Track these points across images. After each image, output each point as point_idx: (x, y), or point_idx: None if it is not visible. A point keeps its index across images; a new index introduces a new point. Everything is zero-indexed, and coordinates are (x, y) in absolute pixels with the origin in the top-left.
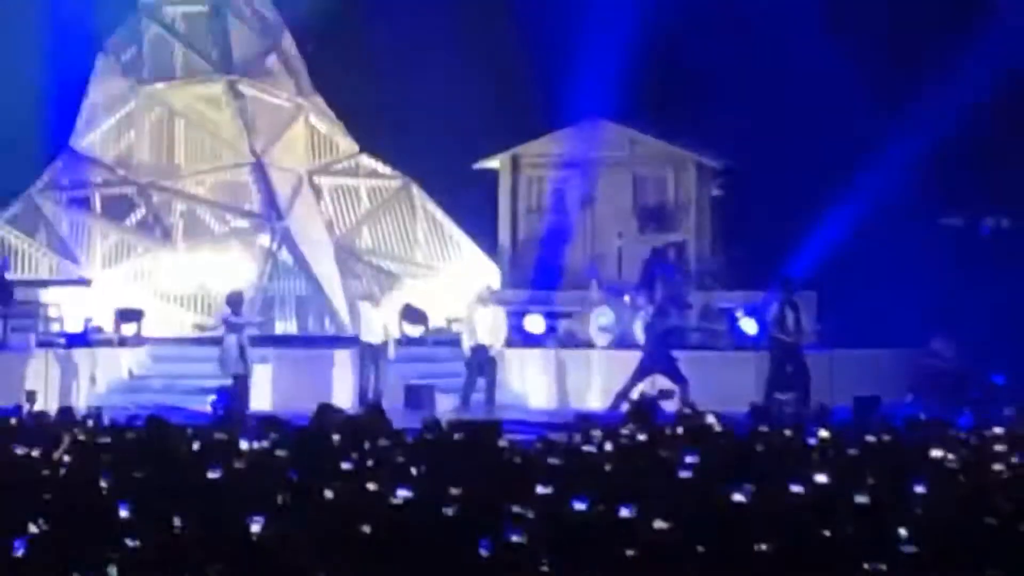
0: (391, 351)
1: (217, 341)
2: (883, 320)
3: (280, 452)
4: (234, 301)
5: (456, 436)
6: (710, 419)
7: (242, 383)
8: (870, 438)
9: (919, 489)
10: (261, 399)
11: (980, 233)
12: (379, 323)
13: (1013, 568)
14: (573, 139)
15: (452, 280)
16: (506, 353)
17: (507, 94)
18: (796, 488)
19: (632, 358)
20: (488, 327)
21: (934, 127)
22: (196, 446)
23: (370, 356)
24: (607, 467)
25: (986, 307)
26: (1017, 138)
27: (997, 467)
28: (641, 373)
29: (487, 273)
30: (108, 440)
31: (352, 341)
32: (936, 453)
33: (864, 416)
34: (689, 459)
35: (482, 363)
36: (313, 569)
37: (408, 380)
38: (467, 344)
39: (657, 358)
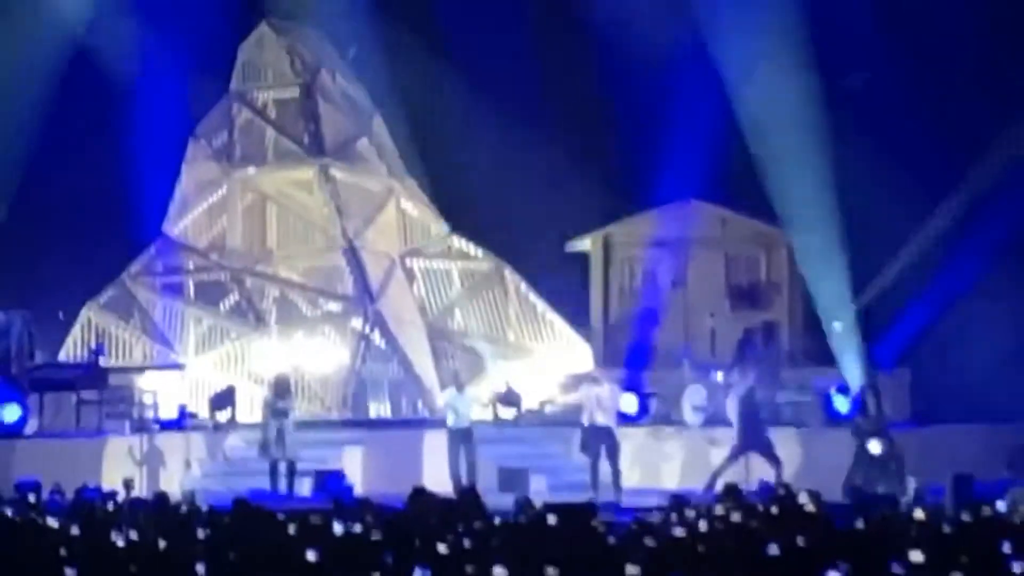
0: (481, 433)
1: (259, 426)
2: (977, 397)
3: (375, 535)
4: (280, 386)
5: (550, 518)
6: (803, 498)
7: (277, 470)
8: (966, 516)
9: (1016, 568)
10: (354, 482)
11: None
12: (471, 405)
13: None
14: (665, 219)
15: (545, 361)
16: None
17: (598, 174)
18: (894, 567)
19: (724, 437)
20: (600, 405)
21: None
22: (291, 529)
23: (462, 438)
24: (700, 548)
25: None
26: None
27: None
28: (736, 453)
29: (579, 354)
30: (203, 524)
31: (444, 423)
32: None
33: (960, 494)
34: (782, 539)
35: (603, 444)
36: None
37: (502, 462)
38: (585, 420)
39: (751, 438)
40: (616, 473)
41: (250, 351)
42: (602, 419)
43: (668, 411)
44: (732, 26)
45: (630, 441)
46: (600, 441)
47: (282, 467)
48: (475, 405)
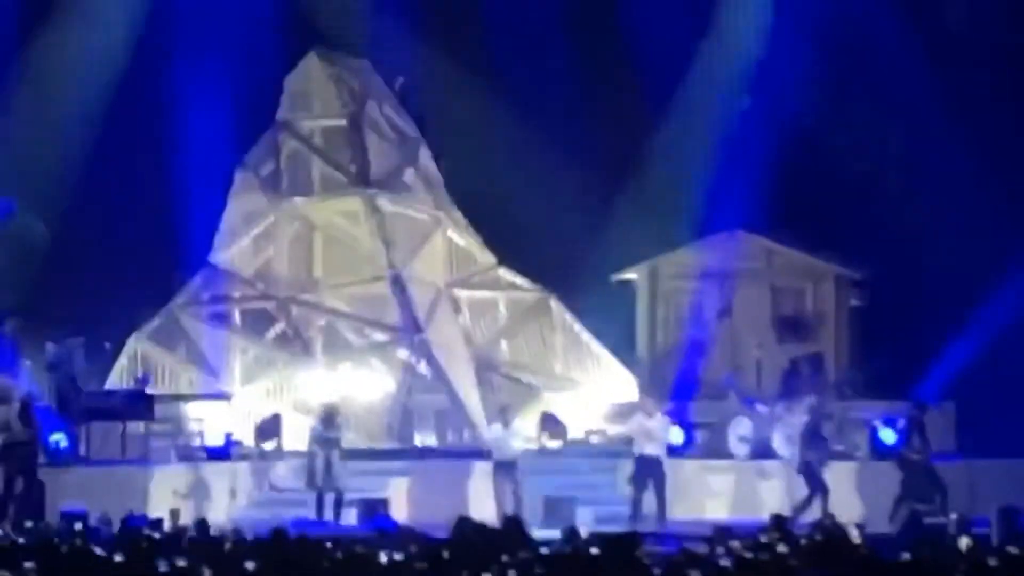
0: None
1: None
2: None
3: (419, 564)
4: (327, 416)
5: (595, 548)
6: (850, 530)
7: (323, 499)
8: (1012, 549)
9: None
10: (399, 511)
11: None
12: (516, 435)
13: None
14: (711, 250)
15: (591, 392)
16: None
17: (645, 205)
18: None
19: (774, 469)
20: (651, 435)
21: None
22: (337, 557)
23: (506, 468)
24: None
25: None
26: None
27: None
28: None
29: (625, 385)
30: (250, 554)
31: (489, 454)
32: None
33: (1006, 527)
34: (827, 571)
35: (650, 476)
36: None
37: (547, 492)
38: (637, 451)
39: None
40: (662, 504)
41: (296, 380)
42: (652, 450)
43: (715, 443)
44: (780, 55)
45: (676, 472)
46: (648, 472)
47: (329, 497)
48: (521, 437)
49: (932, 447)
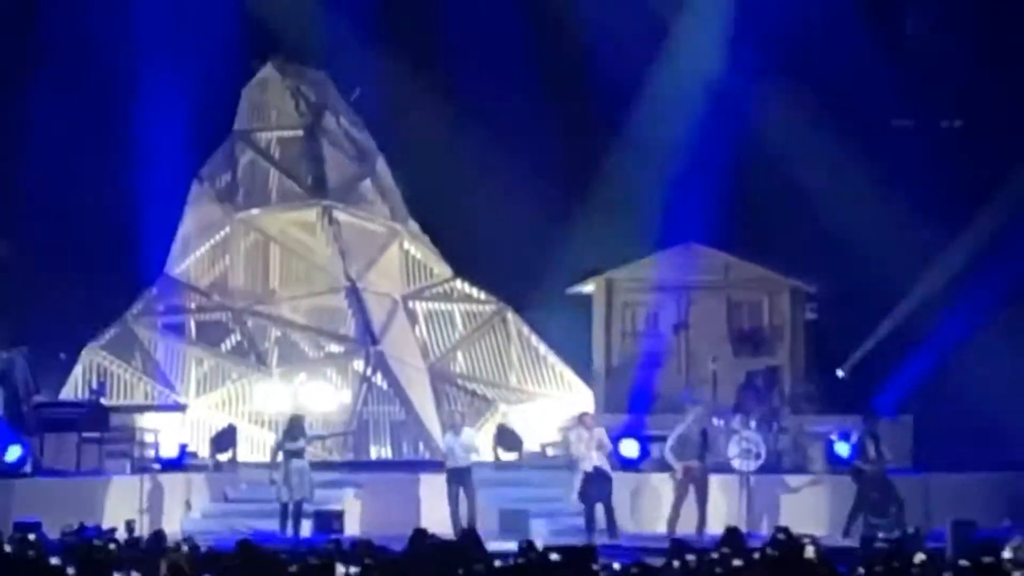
0: (482, 476)
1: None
2: (980, 444)
3: None
4: (293, 428)
5: (551, 560)
6: (806, 545)
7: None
8: (964, 562)
9: None
10: (355, 524)
11: None
12: (471, 447)
13: None
14: (667, 263)
15: (547, 405)
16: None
17: (602, 218)
18: None
19: (724, 481)
20: (592, 448)
21: None
22: (292, 570)
23: (459, 479)
24: None
25: None
26: None
27: None
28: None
29: (581, 397)
30: (204, 565)
31: (444, 466)
32: None
33: (960, 540)
34: None
35: (597, 488)
36: None
37: (502, 504)
38: (583, 467)
39: None
40: (611, 517)
41: (252, 392)
42: (596, 462)
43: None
44: (737, 71)
45: (628, 485)
46: (594, 486)
47: (290, 508)
48: (475, 447)
49: (888, 460)
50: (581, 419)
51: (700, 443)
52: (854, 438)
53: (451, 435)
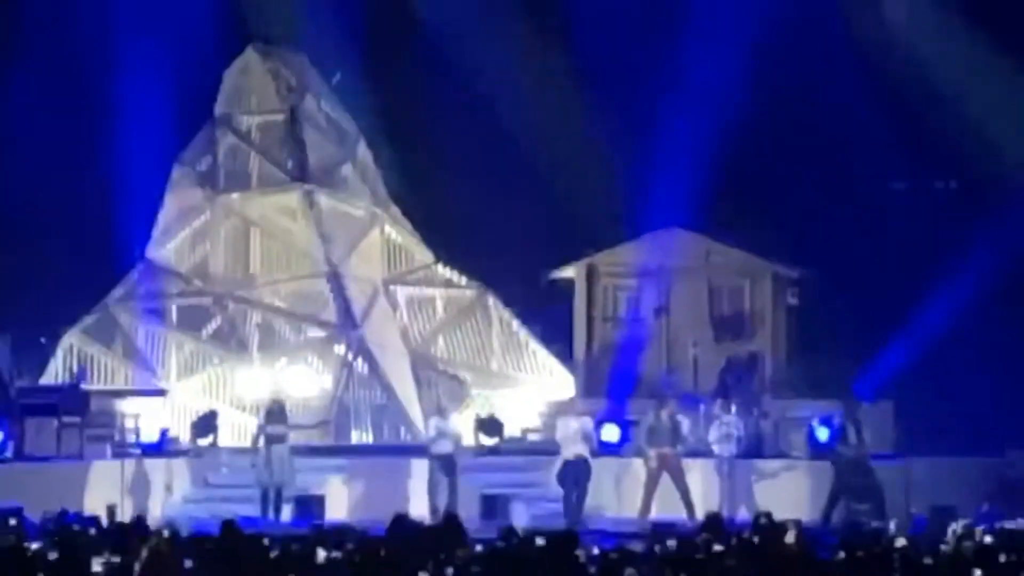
0: (463, 461)
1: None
2: (960, 429)
3: (356, 562)
4: (274, 412)
5: (532, 545)
6: (787, 530)
7: (267, 495)
8: (945, 547)
9: None
10: (336, 508)
11: None
12: (453, 432)
13: None
14: (649, 248)
15: (527, 389)
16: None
17: (583, 203)
18: None
19: (703, 467)
20: (576, 437)
21: (1017, 234)
22: (273, 555)
23: (443, 465)
24: None
25: None
26: None
27: None
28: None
29: (562, 382)
30: (186, 550)
31: (425, 450)
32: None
33: (940, 525)
34: (763, 571)
35: (575, 474)
36: None
37: (484, 490)
38: (564, 455)
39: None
40: (580, 503)
41: (232, 376)
42: (577, 452)
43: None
44: (719, 56)
45: (611, 470)
46: (573, 472)
47: (271, 493)
48: (457, 432)
49: (869, 445)
50: (570, 406)
51: (671, 430)
52: (836, 422)
53: (437, 420)
